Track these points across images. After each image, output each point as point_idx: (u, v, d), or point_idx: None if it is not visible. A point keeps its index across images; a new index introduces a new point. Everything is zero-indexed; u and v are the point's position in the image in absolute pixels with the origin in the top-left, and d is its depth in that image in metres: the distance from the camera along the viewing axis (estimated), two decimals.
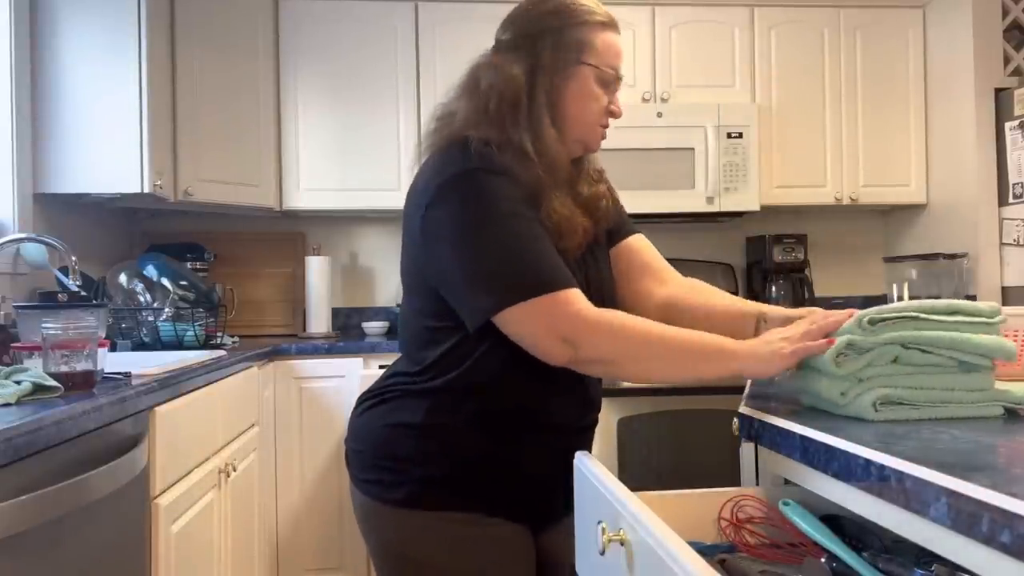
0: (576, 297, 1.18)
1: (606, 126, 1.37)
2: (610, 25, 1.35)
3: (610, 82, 1.34)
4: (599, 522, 0.97)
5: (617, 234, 1.47)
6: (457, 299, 1.23)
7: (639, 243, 1.50)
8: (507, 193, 1.22)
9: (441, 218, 1.23)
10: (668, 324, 1.23)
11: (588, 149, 1.39)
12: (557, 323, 1.17)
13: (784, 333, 1.17)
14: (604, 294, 1.36)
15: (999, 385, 1.11)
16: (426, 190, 1.25)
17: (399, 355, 1.39)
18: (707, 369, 1.18)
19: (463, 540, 1.30)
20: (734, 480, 1.37)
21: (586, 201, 1.36)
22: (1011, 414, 1.11)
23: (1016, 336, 1.38)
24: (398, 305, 2.68)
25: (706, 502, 1.16)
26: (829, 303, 3.02)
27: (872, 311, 1.10)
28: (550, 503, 1.36)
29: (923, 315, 1.10)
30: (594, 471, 1.10)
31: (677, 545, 0.79)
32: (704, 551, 1.04)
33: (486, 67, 1.35)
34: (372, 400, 1.37)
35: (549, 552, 1.40)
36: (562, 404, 1.32)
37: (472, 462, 1.30)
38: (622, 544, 0.91)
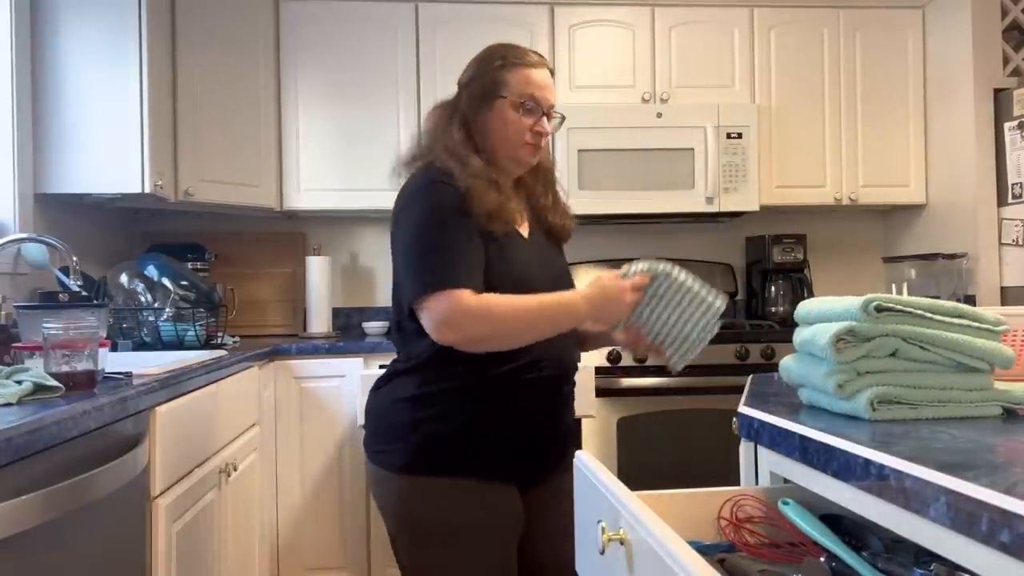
0: (460, 292, 1.46)
1: (534, 143, 1.65)
2: (529, 64, 1.66)
3: (530, 108, 1.63)
4: (599, 522, 0.97)
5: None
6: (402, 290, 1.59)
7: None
8: (447, 205, 1.54)
9: (397, 228, 1.62)
10: None
11: (521, 165, 1.68)
12: (444, 313, 1.46)
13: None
14: (556, 273, 1.68)
15: (998, 385, 1.11)
16: (395, 205, 1.65)
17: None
18: (566, 322, 1.55)
19: (456, 502, 1.52)
20: (734, 480, 1.37)
21: (548, 228, 1.73)
22: (1010, 414, 1.11)
23: (1016, 336, 1.39)
24: None
25: (706, 502, 1.16)
26: None
27: (881, 297, 1.10)
28: (533, 463, 1.60)
29: (929, 314, 1.10)
30: (594, 471, 1.10)
31: (677, 544, 0.79)
32: (704, 550, 1.04)
33: (430, 114, 1.73)
34: (379, 383, 1.64)
35: (535, 509, 1.61)
36: (533, 369, 1.55)
37: (459, 427, 1.53)
38: (622, 543, 0.92)
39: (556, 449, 1.63)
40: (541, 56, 1.70)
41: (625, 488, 1.00)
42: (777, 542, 1.11)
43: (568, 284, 1.69)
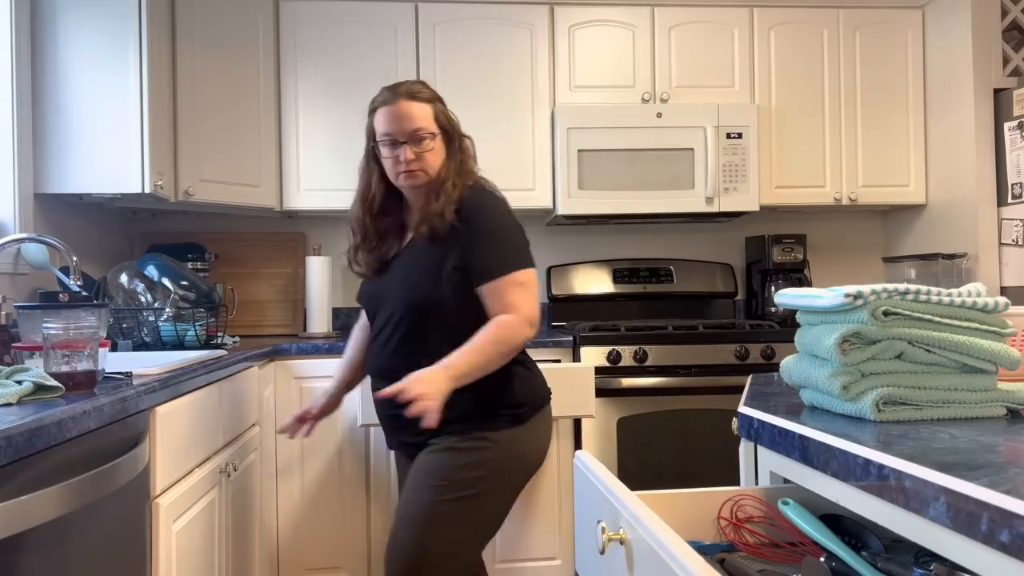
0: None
1: (407, 170, 1.90)
2: (377, 106, 1.93)
3: (390, 143, 1.90)
4: (599, 522, 0.97)
5: (469, 278, 1.88)
6: None
7: (483, 291, 1.89)
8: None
9: None
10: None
11: (412, 190, 1.94)
12: None
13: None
14: (394, 280, 1.95)
15: (1002, 386, 1.11)
16: None
17: None
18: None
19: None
20: (734, 480, 1.37)
21: (420, 233, 1.93)
22: (1014, 415, 1.11)
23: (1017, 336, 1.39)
24: None
25: (706, 502, 1.16)
26: None
27: (892, 299, 1.10)
28: (391, 435, 2.02)
29: (937, 318, 1.10)
30: (594, 471, 1.10)
31: (677, 544, 0.79)
32: (704, 550, 1.04)
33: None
34: None
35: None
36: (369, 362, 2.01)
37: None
38: (622, 543, 0.92)
39: (397, 433, 1.99)
40: (403, 87, 1.92)
41: (625, 488, 1.00)
42: (777, 542, 1.11)
43: (407, 286, 1.91)
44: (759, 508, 1.16)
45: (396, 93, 1.91)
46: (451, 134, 1.94)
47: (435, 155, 1.91)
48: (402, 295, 1.91)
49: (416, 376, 1.68)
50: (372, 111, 1.94)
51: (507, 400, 1.90)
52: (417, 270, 1.91)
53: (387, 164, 1.92)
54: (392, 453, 2.86)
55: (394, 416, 1.94)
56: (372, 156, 1.98)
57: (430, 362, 1.79)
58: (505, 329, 1.81)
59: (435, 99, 1.95)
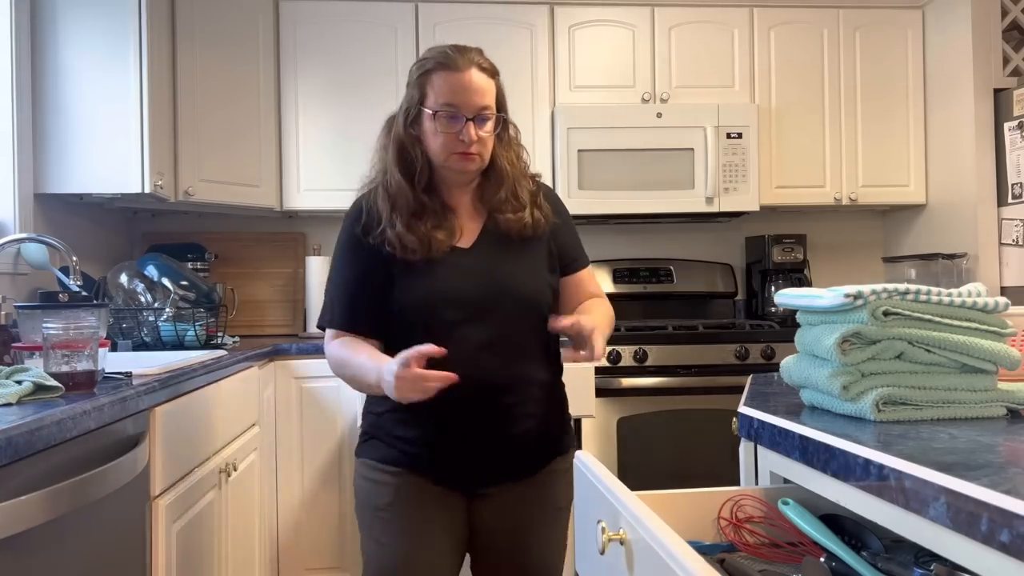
0: (330, 333, 1.66)
1: (464, 152, 1.59)
2: (447, 68, 1.58)
3: (450, 116, 1.57)
4: (599, 521, 0.97)
5: (568, 266, 1.74)
6: None
7: (583, 276, 1.77)
8: (343, 240, 1.69)
9: None
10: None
11: (461, 174, 1.64)
12: (325, 345, 1.67)
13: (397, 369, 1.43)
14: (496, 280, 1.62)
15: (1002, 386, 1.11)
16: None
17: None
18: (367, 387, 1.57)
19: (371, 483, 1.63)
20: (734, 480, 1.38)
21: (503, 228, 1.65)
22: (1013, 415, 1.11)
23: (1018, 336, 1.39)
24: None
25: (706, 502, 1.16)
26: None
27: (893, 299, 1.10)
28: (464, 471, 1.62)
29: (937, 318, 1.10)
30: (594, 471, 1.10)
31: (677, 544, 0.79)
32: (704, 550, 1.04)
33: (382, 128, 1.72)
34: None
35: (480, 517, 1.65)
36: (450, 388, 1.45)
37: (378, 419, 1.65)
38: (622, 544, 0.92)
39: (496, 461, 1.62)
40: (470, 54, 1.60)
41: (625, 488, 1.00)
42: (777, 542, 1.11)
43: (521, 282, 1.63)
44: (759, 508, 1.16)
45: (466, 58, 1.59)
46: (507, 117, 1.68)
47: (491, 139, 1.64)
48: (517, 292, 1.62)
49: (590, 322, 1.51)
50: (427, 72, 1.60)
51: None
52: (525, 266, 1.66)
53: (437, 139, 1.59)
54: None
55: (498, 434, 1.61)
56: (413, 122, 1.63)
57: (539, 369, 1.65)
58: (610, 310, 1.73)
59: (498, 74, 1.66)
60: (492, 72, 1.63)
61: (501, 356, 1.58)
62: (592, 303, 1.73)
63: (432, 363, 1.42)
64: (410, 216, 1.60)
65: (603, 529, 0.94)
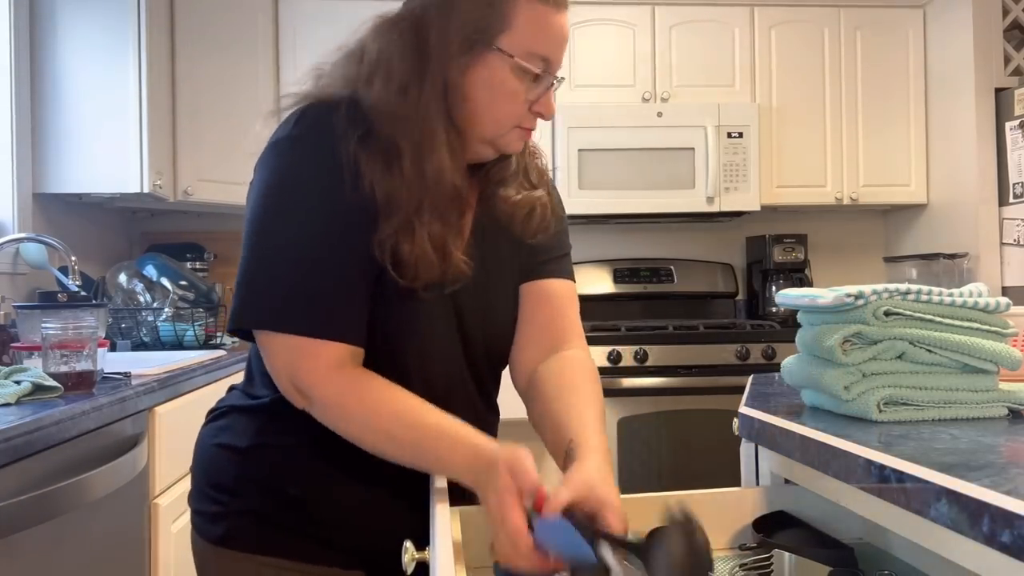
0: (330, 352, 0.99)
1: (529, 128, 1.08)
2: (550, 1, 1.02)
3: (537, 73, 1.03)
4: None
5: (533, 269, 1.18)
6: None
7: (560, 289, 1.19)
8: (314, 190, 1.02)
9: (250, 193, 1.09)
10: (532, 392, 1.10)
11: (499, 152, 1.10)
12: (298, 371, 0.99)
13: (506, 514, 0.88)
14: (489, 296, 1.13)
15: (1003, 386, 1.11)
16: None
17: None
18: (424, 466, 1.00)
19: None
20: (734, 480, 1.37)
21: (499, 215, 1.12)
22: (1015, 415, 1.10)
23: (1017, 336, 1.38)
24: None
25: (706, 502, 1.16)
26: None
27: (894, 299, 1.09)
28: (384, 549, 1.01)
29: (939, 318, 1.10)
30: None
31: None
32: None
33: (372, 37, 1.05)
34: (211, 414, 1.16)
35: None
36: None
37: (295, 496, 1.06)
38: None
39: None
40: None
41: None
42: None
43: (505, 305, 1.16)
44: None
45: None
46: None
47: None
48: (503, 316, 1.16)
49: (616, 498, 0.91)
50: None
51: None
52: (503, 279, 1.16)
53: (500, 100, 1.03)
54: None
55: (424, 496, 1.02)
56: (467, 58, 1.01)
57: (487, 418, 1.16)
58: (600, 388, 1.19)
59: None
60: None
61: (464, 410, 1.03)
62: (592, 400, 1.12)
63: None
64: (440, 224, 1.03)
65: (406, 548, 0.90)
